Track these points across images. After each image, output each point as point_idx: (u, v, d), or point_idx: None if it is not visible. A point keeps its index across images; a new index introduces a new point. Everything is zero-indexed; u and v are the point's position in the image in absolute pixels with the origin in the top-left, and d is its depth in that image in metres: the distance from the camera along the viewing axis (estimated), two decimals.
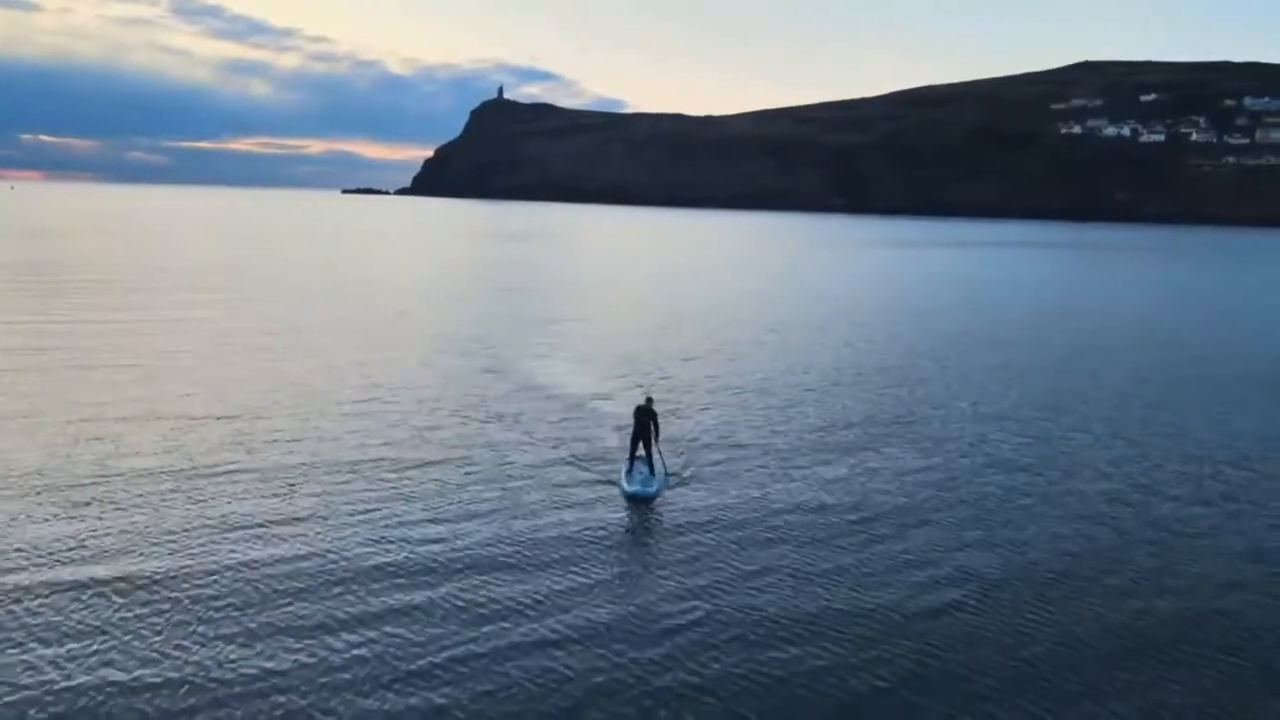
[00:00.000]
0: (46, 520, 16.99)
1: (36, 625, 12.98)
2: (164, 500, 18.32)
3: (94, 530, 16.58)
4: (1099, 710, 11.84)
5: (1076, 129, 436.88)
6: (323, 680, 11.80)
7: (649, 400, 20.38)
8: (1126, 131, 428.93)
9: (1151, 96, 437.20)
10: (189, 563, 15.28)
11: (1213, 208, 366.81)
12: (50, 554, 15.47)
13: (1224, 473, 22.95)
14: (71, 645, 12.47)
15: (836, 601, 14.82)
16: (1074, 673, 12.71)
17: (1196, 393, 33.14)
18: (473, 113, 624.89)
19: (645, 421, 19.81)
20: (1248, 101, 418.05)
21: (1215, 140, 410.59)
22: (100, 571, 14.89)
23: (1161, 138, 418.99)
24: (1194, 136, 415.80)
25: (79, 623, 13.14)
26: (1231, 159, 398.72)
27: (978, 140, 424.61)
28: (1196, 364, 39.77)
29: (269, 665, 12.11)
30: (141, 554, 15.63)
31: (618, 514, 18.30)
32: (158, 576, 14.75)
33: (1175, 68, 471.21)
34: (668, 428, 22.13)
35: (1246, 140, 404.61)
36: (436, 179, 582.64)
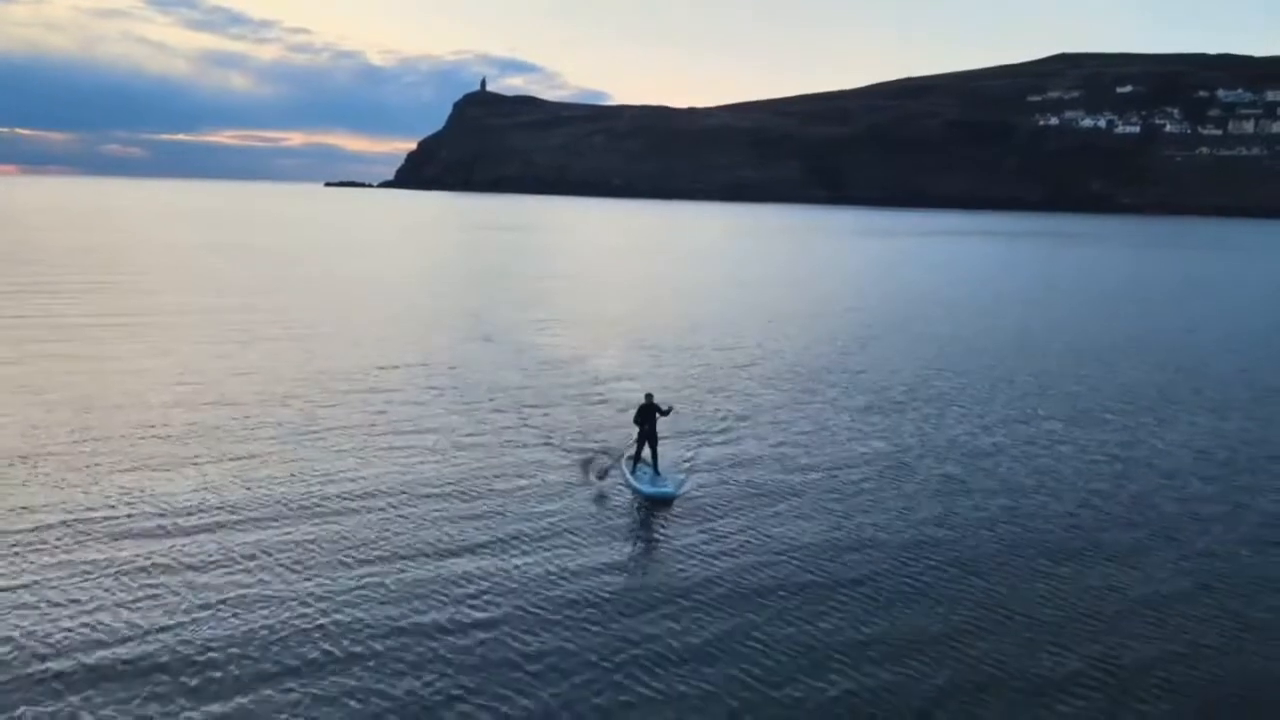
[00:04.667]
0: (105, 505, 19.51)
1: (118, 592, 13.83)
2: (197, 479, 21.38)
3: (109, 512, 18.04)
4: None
5: (1053, 120, 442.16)
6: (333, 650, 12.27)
7: (649, 397, 19.85)
8: (1102, 123, 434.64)
9: (1127, 88, 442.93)
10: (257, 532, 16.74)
11: (1186, 199, 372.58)
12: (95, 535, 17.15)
13: (1109, 405, 27.37)
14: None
15: (838, 531, 18.96)
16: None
17: (1112, 353, 37.65)
18: (455, 105, 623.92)
19: (652, 420, 19.56)
20: (1220, 93, 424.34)
21: (1189, 132, 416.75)
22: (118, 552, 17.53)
23: (1137, 129, 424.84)
24: (1168, 128, 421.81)
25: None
26: (1205, 150, 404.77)
27: (956, 132, 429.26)
28: (1115, 331, 44.25)
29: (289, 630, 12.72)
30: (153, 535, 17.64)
31: (623, 501, 18.53)
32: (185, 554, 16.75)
33: (1151, 60, 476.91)
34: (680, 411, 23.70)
35: (1219, 132, 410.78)
36: (419, 172, 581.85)
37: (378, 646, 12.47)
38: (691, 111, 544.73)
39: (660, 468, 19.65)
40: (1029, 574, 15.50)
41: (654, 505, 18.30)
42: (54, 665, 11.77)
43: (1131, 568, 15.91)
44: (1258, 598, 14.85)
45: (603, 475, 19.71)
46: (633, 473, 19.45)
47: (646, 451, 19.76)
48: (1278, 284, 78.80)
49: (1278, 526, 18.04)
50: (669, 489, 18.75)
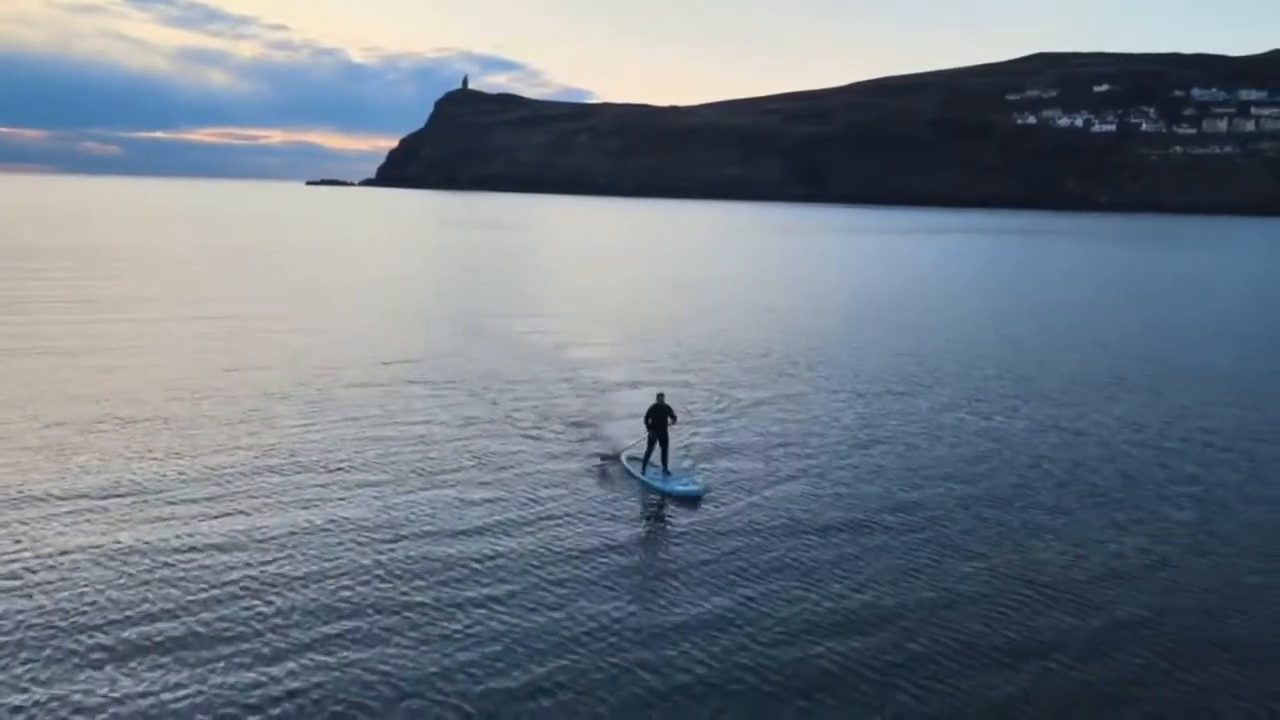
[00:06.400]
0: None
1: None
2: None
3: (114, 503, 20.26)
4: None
5: (1031, 119, 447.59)
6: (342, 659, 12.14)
7: (660, 397, 19.88)
8: (1079, 122, 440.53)
9: (1104, 87, 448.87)
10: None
11: (1161, 196, 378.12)
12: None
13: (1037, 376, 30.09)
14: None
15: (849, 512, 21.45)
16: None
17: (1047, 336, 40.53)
18: (437, 103, 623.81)
19: (663, 420, 19.55)
20: (1195, 92, 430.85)
21: (1164, 130, 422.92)
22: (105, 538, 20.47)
23: (1113, 128, 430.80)
24: (1144, 127, 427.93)
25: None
26: (1179, 149, 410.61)
27: (936, 130, 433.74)
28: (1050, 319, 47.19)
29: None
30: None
31: (632, 502, 18.56)
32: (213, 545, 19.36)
33: (1127, 59, 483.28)
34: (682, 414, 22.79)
35: (1194, 130, 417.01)
36: (401, 170, 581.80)
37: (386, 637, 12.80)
38: (674, 110, 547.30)
39: (669, 466, 19.66)
40: (980, 527, 18.08)
41: (679, 504, 18.42)
42: (71, 643, 12.41)
43: (1063, 516, 18.53)
44: (1171, 539, 17.46)
45: (603, 472, 20.22)
46: (643, 472, 19.50)
47: (656, 452, 19.68)
48: (1239, 279, 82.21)
49: (1195, 484, 20.73)
50: (696, 488, 18.78)
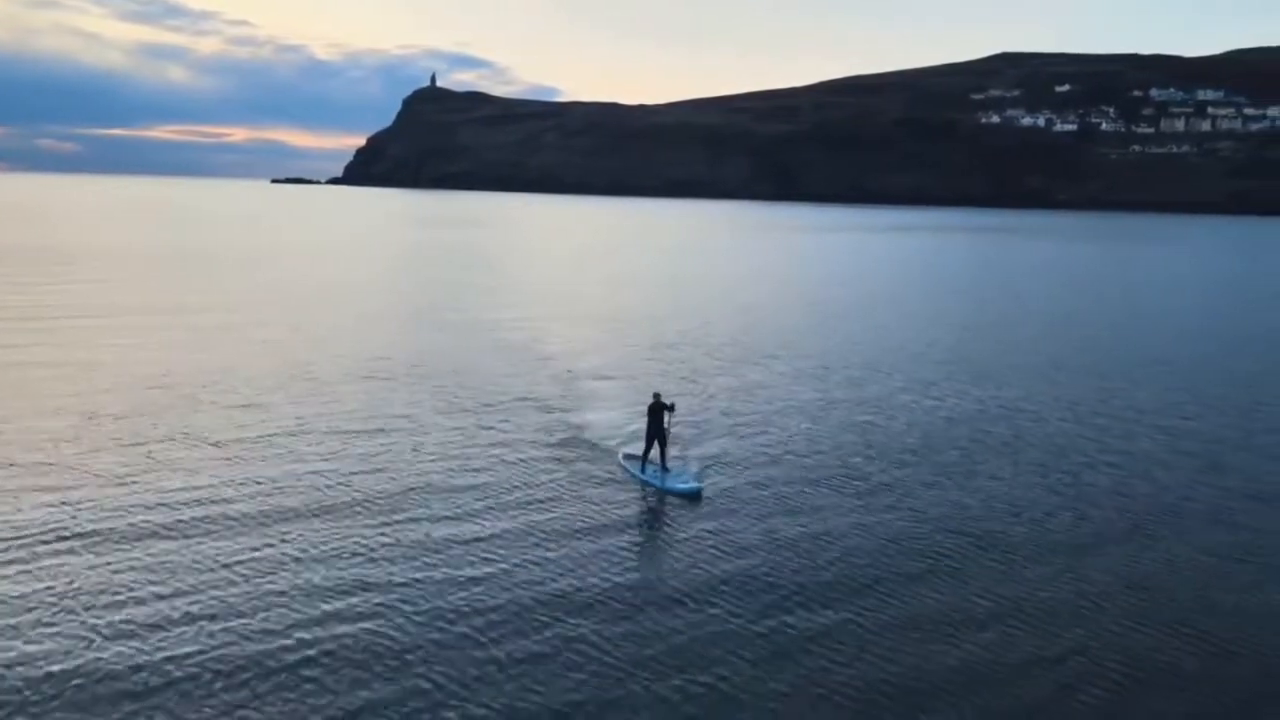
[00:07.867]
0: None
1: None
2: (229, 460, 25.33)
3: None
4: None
5: (995, 118, 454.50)
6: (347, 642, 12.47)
7: (657, 396, 20.09)
8: (1041, 121, 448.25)
9: (1065, 87, 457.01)
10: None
11: (1120, 194, 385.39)
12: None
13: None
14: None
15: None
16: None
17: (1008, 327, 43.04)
18: (405, 101, 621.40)
19: (659, 419, 19.83)
20: (1153, 93, 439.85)
21: (1123, 130, 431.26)
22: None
23: (1074, 127, 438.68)
24: (1104, 126, 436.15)
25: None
26: (1137, 148, 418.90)
27: (902, 129, 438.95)
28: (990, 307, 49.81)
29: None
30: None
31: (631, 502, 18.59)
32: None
33: (1087, 60, 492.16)
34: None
35: (1151, 130, 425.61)
36: (368, 168, 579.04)
37: (386, 637, 12.88)
38: (642, 109, 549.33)
39: (667, 464, 20.09)
40: (927, 493, 20.30)
41: (678, 501, 18.80)
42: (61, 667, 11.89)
43: (999, 480, 20.80)
44: (1095, 501, 19.76)
45: (569, 463, 20.87)
46: (642, 470, 19.96)
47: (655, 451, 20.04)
48: (1188, 274, 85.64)
49: (1119, 454, 23.14)
50: (697, 485, 19.30)
